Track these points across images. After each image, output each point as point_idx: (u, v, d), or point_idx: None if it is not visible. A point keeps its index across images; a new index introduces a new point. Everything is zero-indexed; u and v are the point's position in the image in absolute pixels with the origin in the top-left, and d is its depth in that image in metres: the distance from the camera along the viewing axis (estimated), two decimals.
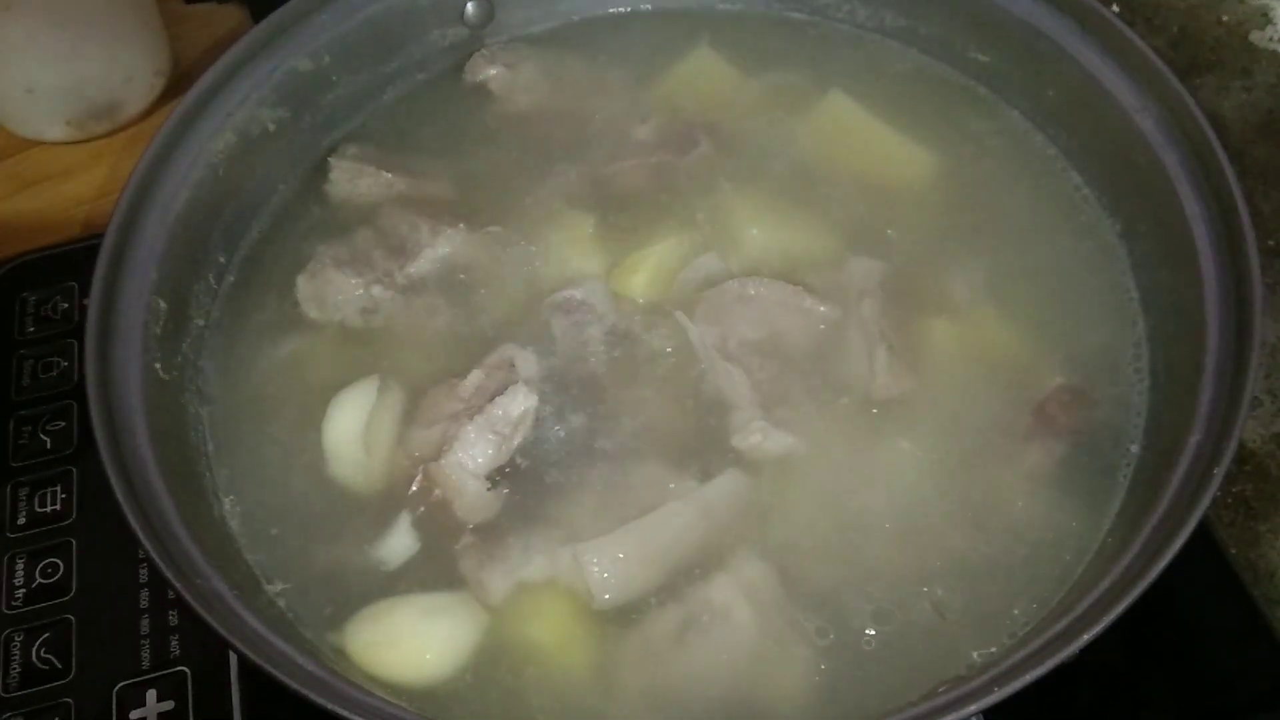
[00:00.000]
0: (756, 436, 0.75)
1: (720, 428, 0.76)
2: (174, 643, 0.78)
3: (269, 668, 0.61)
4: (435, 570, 0.73)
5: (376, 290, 0.83)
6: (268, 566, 0.73)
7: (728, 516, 0.73)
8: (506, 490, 0.75)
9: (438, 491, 0.74)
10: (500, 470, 0.75)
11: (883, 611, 0.70)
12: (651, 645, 0.69)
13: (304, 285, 0.84)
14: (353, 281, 0.83)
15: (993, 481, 0.74)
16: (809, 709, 0.67)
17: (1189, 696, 0.77)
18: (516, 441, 0.75)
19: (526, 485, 0.75)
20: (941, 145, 0.90)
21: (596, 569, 0.70)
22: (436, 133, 0.94)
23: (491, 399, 0.76)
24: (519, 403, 0.76)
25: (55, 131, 1.12)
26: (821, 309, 0.80)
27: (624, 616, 0.70)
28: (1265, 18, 1.08)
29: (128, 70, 1.11)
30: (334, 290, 0.83)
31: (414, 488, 0.74)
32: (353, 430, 0.77)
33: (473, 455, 0.74)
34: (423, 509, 0.74)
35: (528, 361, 0.79)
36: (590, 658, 0.69)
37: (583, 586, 0.70)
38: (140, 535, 0.65)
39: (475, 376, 0.78)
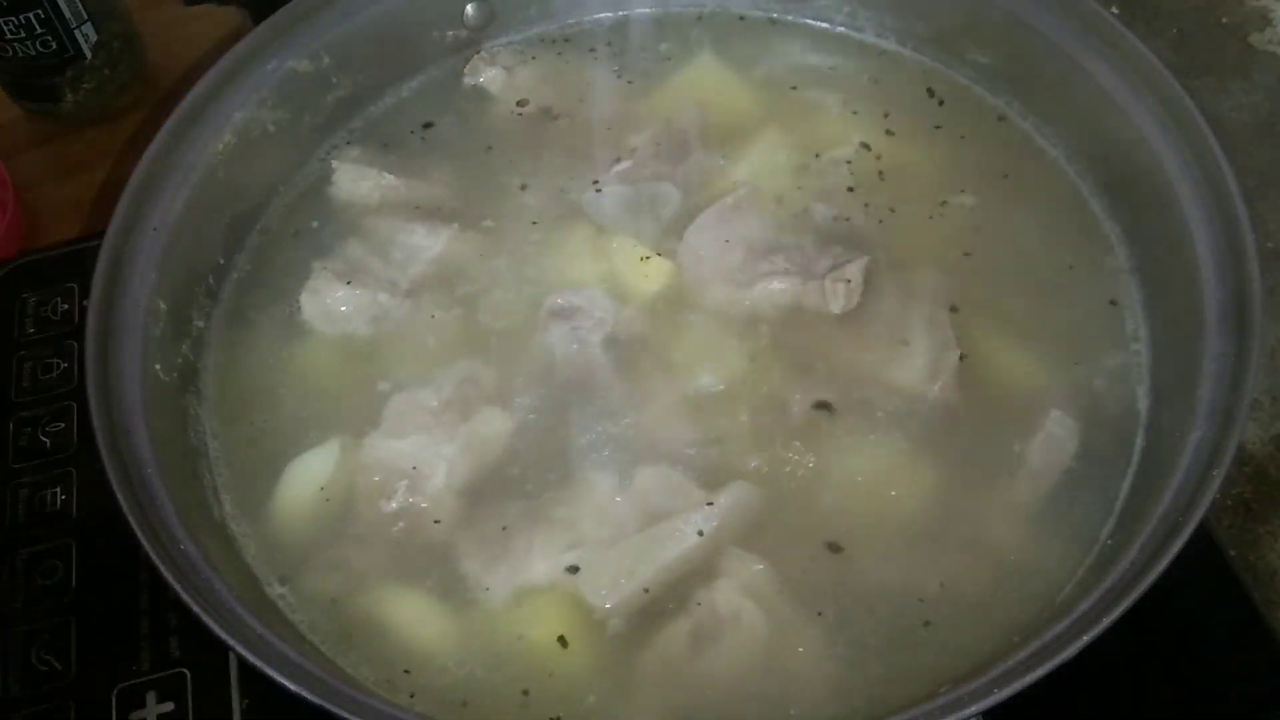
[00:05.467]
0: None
1: (724, 433, 0.76)
2: (174, 644, 0.78)
3: (269, 669, 0.60)
4: (420, 571, 0.73)
5: (383, 298, 0.83)
6: (267, 567, 0.73)
7: (734, 528, 0.72)
8: (502, 495, 0.75)
9: (419, 502, 0.74)
10: (488, 479, 0.75)
11: (879, 604, 0.70)
12: (669, 661, 0.69)
13: (309, 302, 0.84)
14: (357, 293, 0.83)
15: (993, 489, 0.74)
16: (831, 702, 0.67)
17: (1189, 698, 0.77)
18: (492, 458, 0.76)
19: (526, 489, 0.75)
20: (941, 148, 0.90)
21: (597, 582, 0.70)
22: (436, 135, 0.94)
23: (464, 415, 0.77)
24: (492, 423, 0.77)
25: None
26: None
27: (631, 629, 0.69)
28: (1264, 20, 1.08)
29: None
30: (339, 303, 0.83)
31: (394, 504, 0.74)
32: (308, 498, 0.76)
33: (452, 474, 0.74)
34: (402, 524, 0.74)
35: (491, 378, 0.79)
36: (602, 671, 0.69)
37: (584, 598, 0.70)
38: (140, 535, 0.65)
39: (445, 390, 0.78)
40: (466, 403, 0.78)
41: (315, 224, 0.89)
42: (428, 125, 0.95)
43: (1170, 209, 0.76)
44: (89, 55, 1.08)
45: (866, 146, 0.90)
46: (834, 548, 0.72)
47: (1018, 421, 0.76)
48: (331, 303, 0.83)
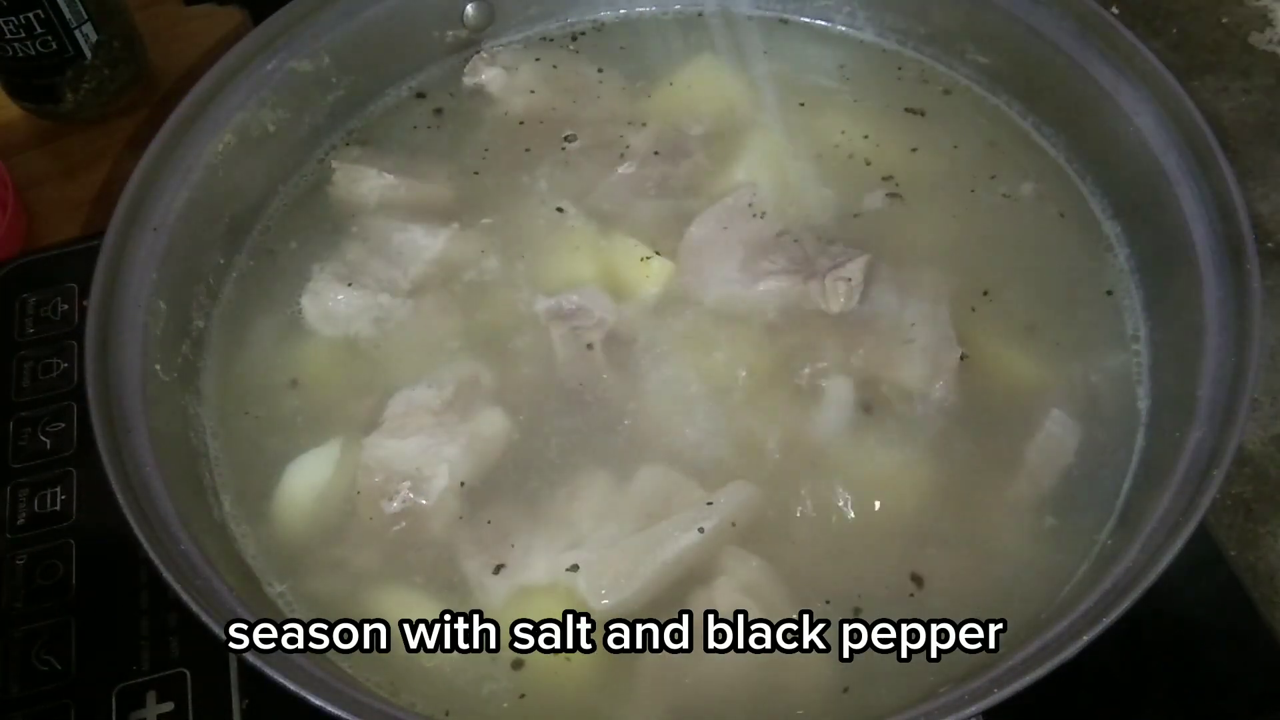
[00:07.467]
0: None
1: (724, 432, 0.76)
2: (174, 644, 0.78)
3: (269, 668, 0.60)
4: (420, 571, 0.73)
5: (384, 298, 0.83)
6: (267, 567, 0.73)
7: (734, 528, 0.72)
8: (502, 495, 0.75)
9: (421, 502, 0.74)
10: (489, 479, 0.75)
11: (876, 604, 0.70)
12: (669, 661, 0.68)
13: (310, 305, 0.83)
14: (358, 294, 0.83)
15: (992, 488, 0.74)
16: (832, 701, 0.67)
17: (1188, 698, 0.77)
18: (492, 458, 0.76)
19: (526, 489, 0.75)
20: (941, 147, 0.90)
21: (597, 582, 0.70)
22: (435, 135, 0.94)
23: (465, 415, 0.76)
24: (492, 423, 0.77)
25: None
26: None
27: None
28: (1264, 20, 1.08)
29: None
30: (341, 305, 0.83)
31: (395, 505, 0.74)
32: (308, 498, 0.76)
33: (454, 475, 0.74)
34: (404, 524, 0.74)
35: (491, 378, 0.79)
36: (602, 671, 0.69)
37: (584, 598, 0.70)
38: (140, 535, 0.64)
39: (447, 391, 0.78)
40: (467, 403, 0.78)
41: (315, 224, 0.89)
42: (427, 125, 0.95)
43: (1170, 209, 0.76)
44: (89, 55, 1.08)
45: (866, 145, 0.90)
46: (834, 547, 0.72)
47: (1018, 421, 0.76)
48: (333, 305, 0.83)
